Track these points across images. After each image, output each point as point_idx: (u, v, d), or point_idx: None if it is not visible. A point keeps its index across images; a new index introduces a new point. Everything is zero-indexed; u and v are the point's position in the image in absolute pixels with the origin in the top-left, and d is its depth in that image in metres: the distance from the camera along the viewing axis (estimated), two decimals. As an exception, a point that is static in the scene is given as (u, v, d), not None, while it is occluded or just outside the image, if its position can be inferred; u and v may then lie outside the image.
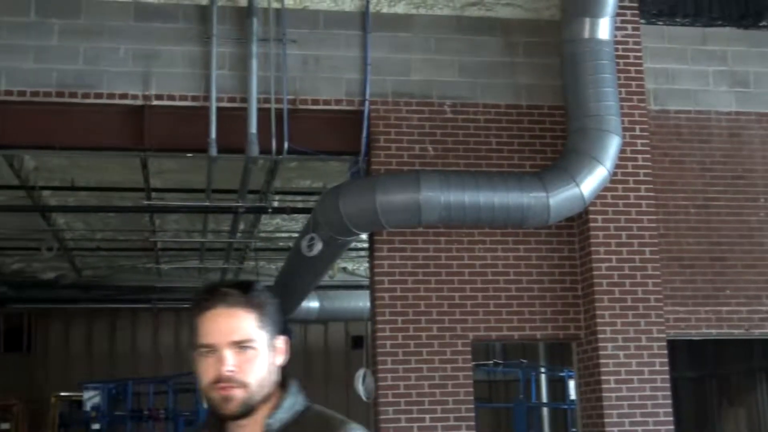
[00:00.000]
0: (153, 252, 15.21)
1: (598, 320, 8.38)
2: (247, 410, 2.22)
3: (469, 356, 8.50)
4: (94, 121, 8.37)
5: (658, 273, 8.58)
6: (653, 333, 8.43)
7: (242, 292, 2.26)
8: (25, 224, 13.02)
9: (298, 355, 19.65)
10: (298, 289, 12.89)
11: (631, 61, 8.91)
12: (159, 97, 8.37)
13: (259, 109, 8.34)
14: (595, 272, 8.46)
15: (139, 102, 8.36)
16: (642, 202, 8.69)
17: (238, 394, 2.20)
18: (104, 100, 8.30)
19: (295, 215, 12.21)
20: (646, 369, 8.33)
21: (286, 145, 8.38)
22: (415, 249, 8.52)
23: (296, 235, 11.94)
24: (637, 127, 8.81)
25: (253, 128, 8.25)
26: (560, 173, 8.24)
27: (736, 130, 9.47)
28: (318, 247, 8.53)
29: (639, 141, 8.79)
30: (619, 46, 8.77)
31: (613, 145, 8.29)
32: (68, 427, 17.23)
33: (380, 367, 8.32)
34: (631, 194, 8.68)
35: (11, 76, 8.19)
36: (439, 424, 8.23)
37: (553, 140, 8.88)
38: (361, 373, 8.78)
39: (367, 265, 10.97)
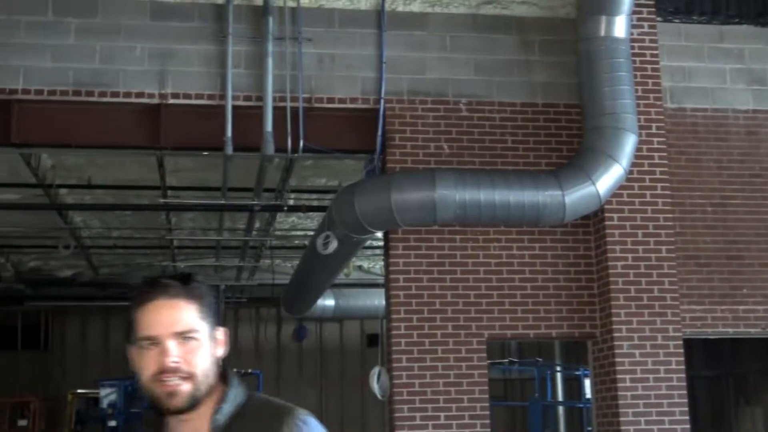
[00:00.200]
0: (169, 250, 15.26)
1: (614, 319, 8.35)
2: (193, 403, 2.19)
3: (484, 354, 8.49)
4: (111, 120, 8.41)
5: (674, 271, 8.55)
6: (669, 331, 8.40)
7: (182, 283, 2.25)
8: (42, 222, 13.10)
9: (313, 353, 19.73)
10: (314, 287, 12.92)
11: (647, 59, 8.88)
12: (175, 95, 8.40)
13: (275, 108, 8.36)
14: (611, 270, 8.44)
15: (156, 101, 8.39)
16: (658, 200, 8.66)
17: (184, 387, 2.18)
18: (121, 99, 8.34)
19: (311, 213, 12.22)
20: (662, 368, 8.31)
21: (301, 143, 8.40)
22: (430, 247, 8.52)
23: (312, 233, 11.96)
24: (654, 125, 8.78)
25: (269, 127, 8.27)
26: (576, 171, 8.22)
27: (753, 128, 9.42)
28: (333, 245, 8.55)
29: (655, 139, 8.76)
30: (636, 44, 8.74)
31: (629, 144, 8.26)
32: (85, 424, 17.32)
33: (395, 365, 8.32)
34: (648, 192, 8.65)
35: (29, 75, 8.24)
36: (453, 422, 8.23)
37: (568, 138, 8.85)
38: (375, 371, 8.79)
39: (382, 263, 10.98)
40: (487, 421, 8.36)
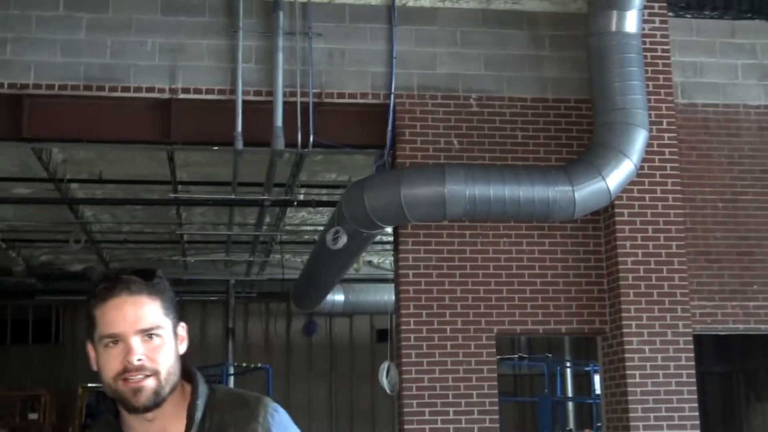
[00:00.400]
0: (179, 245, 15.30)
1: (624, 315, 8.34)
2: (158, 401, 2.14)
3: (494, 350, 8.49)
4: (122, 115, 8.43)
5: (684, 267, 8.53)
6: (679, 328, 8.38)
7: (145, 279, 2.18)
8: (53, 217, 13.14)
9: (323, 348, 19.75)
10: (324, 282, 12.94)
11: (658, 54, 8.85)
12: (185, 90, 8.42)
13: (285, 103, 8.37)
14: (620, 266, 8.43)
15: (166, 95, 8.41)
16: (669, 196, 8.64)
17: (149, 384, 2.12)
18: (131, 94, 8.36)
19: (321, 208, 12.24)
20: (671, 364, 8.29)
21: (311, 138, 8.41)
22: (440, 242, 8.52)
23: (321, 228, 11.97)
24: (665, 120, 8.75)
25: (279, 122, 8.28)
26: (586, 167, 8.21)
27: (765, 123, 9.38)
28: (343, 240, 8.55)
29: (666, 135, 8.74)
30: (647, 39, 8.71)
31: (639, 139, 8.24)
32: (95, 417, 17.37)
33: (404, 360, 8.33)
34: (658, 188, 8.63)
35: (40, 69, 8.27)
36: (462, 417, 8.23)
37: (579, 134, 8.84)
38: (385, 366, 8.80)
39: (392, 258, 10.98)
40: (496, 417, 8.37)
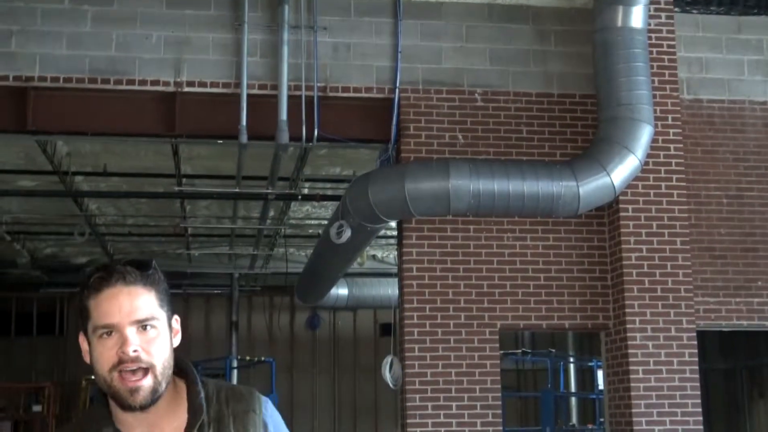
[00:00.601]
0: (183, 238, 15.31)
1: (627, 310, 8.34)
2: (156, 398, 2.11)
3: (497, 345, 8.50)
4: (126, 108, 8.43)
5: (688, 263, 8.52)
6: (683, 324, 8.37)
7: (140, 270, 2.15)
8: (57, 209, 13.16)
9: (326, 342, 19.76)
10: (327, 276, 12.93)
11: (664, 49, 8.83)
12: (190, 83, 8.42)
13: (290, 97, 8.36)
14: (624, 262, 8.42)
15: (171, 89, 8.41)
16: (673, 192, 8.62)
17: (146, 382, 2.09)
18: (136, 87, 8.37)
19: (325, 202, 12.23)
20: (675, 360, 8.29)
21: (316, 132, 8.41)
22: (444, 237, 8.52)
23: (325, 222, 11.97)
24: (670, 116, 8.74)
25: (284, 115, 8.28)
26: (591, 162, 8.20)
27: (770, 119, 9.36)
28: (347, 234, 8.55)
29: (671, 130, 8.72)
30: (653, 35, 8.69)
31: (644, 135, 8.23)
32: (99, 410, 17.38)
33: (407, 354, 8.33)
34: (663, 184, 8.62)
35: (45, 62, 8.27)
36: (465, 411, 8.24)
37: (584, 129, 8.83)
38: (388, 360, 8.80)
39: (395, 252, 10.98)
40: (499, 412, 8.37)
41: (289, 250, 15.38)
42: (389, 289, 14.95)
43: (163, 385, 2.13)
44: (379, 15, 8.79)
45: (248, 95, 8.31)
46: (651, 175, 8.58)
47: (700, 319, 8.67)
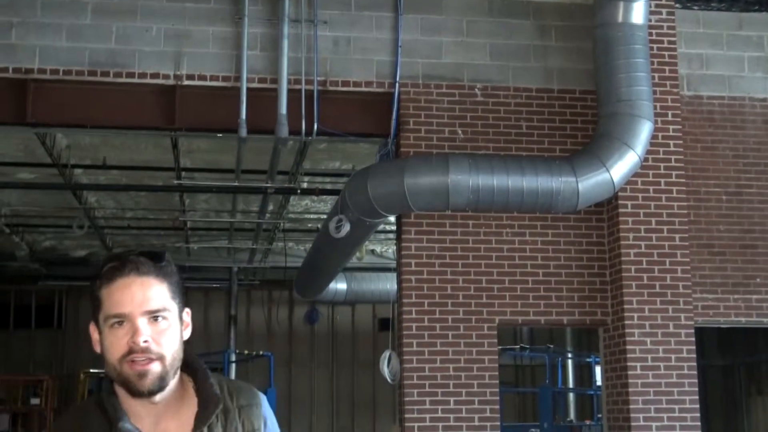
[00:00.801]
0: (182, 231, 15.31)
1: (626, 306, 8.34)
2: (163, 386, 2.13)
3: (495, 340, 8.50)
4: (126, 101, 8.42)
5: (687, 260, 8.52)
6: (681, 320, 8.38)
7: (154, 261, 2.17)
8: (56, 202, 13.16)
9: (325, 336, 19.77)
10: (326, 271, 12.94)
11: (664, 45, 8.82)
12: (190, 77, 8.41)
13: (290, 90, 8.36)
14: (623, 258, 8.42)
15: (171, 82, 8.40)
16: (673, 188, 8.62)
17: (155, 368, 2.10)
18: (136, 80, 8.36)
19: (324, 197, 12.24)
20: (673, 356, 8.29)
21: (315, 126, 8.40)
22: (443, 232, 8.51)
23: (325, 216, 11.97)
24: (670, 112, 8.73)
25: (283, 109, 8.27)
26: (590, 158, 8.20)
27: (770, 116, 9.35)
28: (346, 228, 8.55)
29: (671, 126, 8.72)
30: (653, 31, 8.69)
31: (644, 131, 8.22)
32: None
33: (406, 349, 8.33)
34: (662, 180, 8.61)
35: (44, 54, 8.26)
36: (463, 407, 8.24)
37: (584, 125, 8.82)
38: (386, 355, 8.81)
39: (394, 247, 10.98)
40: (497, 407, 8.38)
41: (288, 244, 15.38)
42: (388, 284, 14.95)
43: (171, 374, 2.14)
44: (380, 9, 8.78)
45: (248, 89, 8.30)
46: (650, 172, 8.58)
47: (698, 315, 8.67)
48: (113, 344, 2.12)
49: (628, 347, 8.27)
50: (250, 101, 8.26)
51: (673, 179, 8.64)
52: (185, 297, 2.23)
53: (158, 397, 2.14)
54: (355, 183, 8.37)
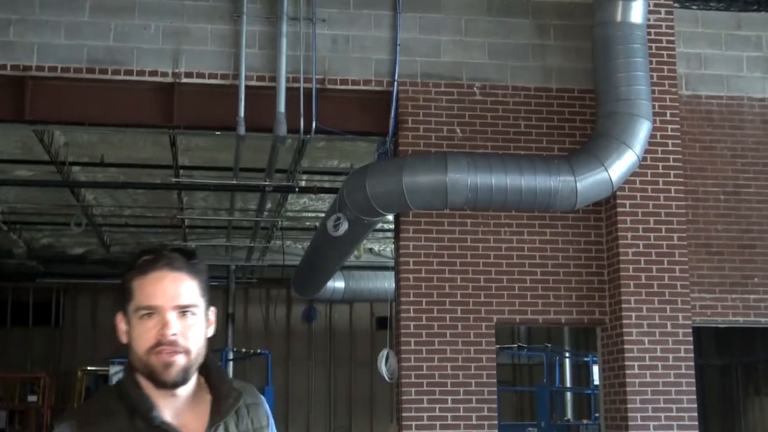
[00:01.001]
0: (180, 229, 15.29)
1: (624, 305, 8.34)
2: (186, 378, 2.19)
3: (493, 339, 8.50)
4: (124, 98, 8.41)
5: (685, 259, 8.53)
6: (679, 319, 8.38)
7: (186, 258, 2.23)
8: (54, 199, 13.14)
9: (323, 335, 19.77)
10: (324, 269, 12.92)
11: (663, 45, 8.82)
12: (189, 74, 8.40)
13: (288, 89, 8.35)
14: (621, 257, 8.42)
15: (169, 79, 8.39)
16: (671, 188, 8.62)
17: (180, 360, 2.16)
18: (134, 77, 8.35)
19: (322, 195, 12.23)
20: (670, 355, 8.29)
21: (314, 124, 8.39)
22: (441, 231, 8.51)
23: (323, 214, 11.97)
24: (668, 111, 8.73)
25: (282, 107, 8.26)
26: (589, 157, 8.19)
27: (768, 116, 9.35)
28: (344, 227, 8.54)
29: (669, 126, 8.72)
30: (652, 30, 8.69)
31: (643, 130, 8.22)
32: (94, 401, 17.36)
33: (403, 348, 8.33)
34: (660, 180, 8.61)
35: (43, 51, 8.25)
36: (461, 405, 8.24)
37: (582, 124, 8.82)
38: (384, 353, 8.80)
39: (393, 246, 10.97)
40: (495, 406, 8.38)
41: (285, 242, 15.38)
42: (386, 283, 14.94)
43: (194, 368, 2.21)
44: (378, 7, 8.77)
45: (246, 87, 8.30)
46: (649, 171, 8.58)
47: (696, 315, 8.67)
48: (141, 335, 2.17)
49: (625, 346, 8.27)
50: (248, 99, 8.26)
51: (672, 179, 8.64)
52: (211, 296, 2.29)
53: (180, 390, 2.20)
54: (354, 181, 8.36)
